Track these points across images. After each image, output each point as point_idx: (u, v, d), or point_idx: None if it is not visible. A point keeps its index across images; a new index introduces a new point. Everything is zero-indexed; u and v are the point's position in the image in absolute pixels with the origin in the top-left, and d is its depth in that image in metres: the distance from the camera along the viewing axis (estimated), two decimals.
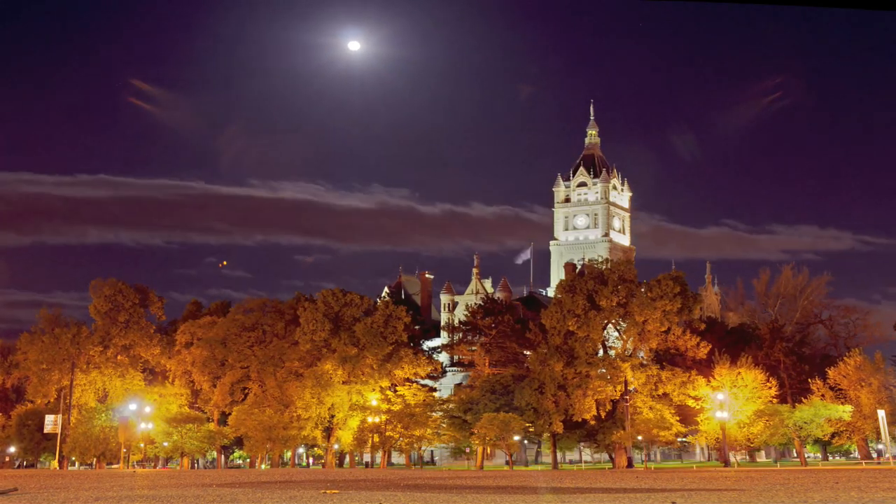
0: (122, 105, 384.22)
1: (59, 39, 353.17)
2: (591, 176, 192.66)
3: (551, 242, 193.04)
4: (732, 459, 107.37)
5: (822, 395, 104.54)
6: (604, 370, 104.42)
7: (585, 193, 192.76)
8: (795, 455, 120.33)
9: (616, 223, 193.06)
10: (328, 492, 31.33)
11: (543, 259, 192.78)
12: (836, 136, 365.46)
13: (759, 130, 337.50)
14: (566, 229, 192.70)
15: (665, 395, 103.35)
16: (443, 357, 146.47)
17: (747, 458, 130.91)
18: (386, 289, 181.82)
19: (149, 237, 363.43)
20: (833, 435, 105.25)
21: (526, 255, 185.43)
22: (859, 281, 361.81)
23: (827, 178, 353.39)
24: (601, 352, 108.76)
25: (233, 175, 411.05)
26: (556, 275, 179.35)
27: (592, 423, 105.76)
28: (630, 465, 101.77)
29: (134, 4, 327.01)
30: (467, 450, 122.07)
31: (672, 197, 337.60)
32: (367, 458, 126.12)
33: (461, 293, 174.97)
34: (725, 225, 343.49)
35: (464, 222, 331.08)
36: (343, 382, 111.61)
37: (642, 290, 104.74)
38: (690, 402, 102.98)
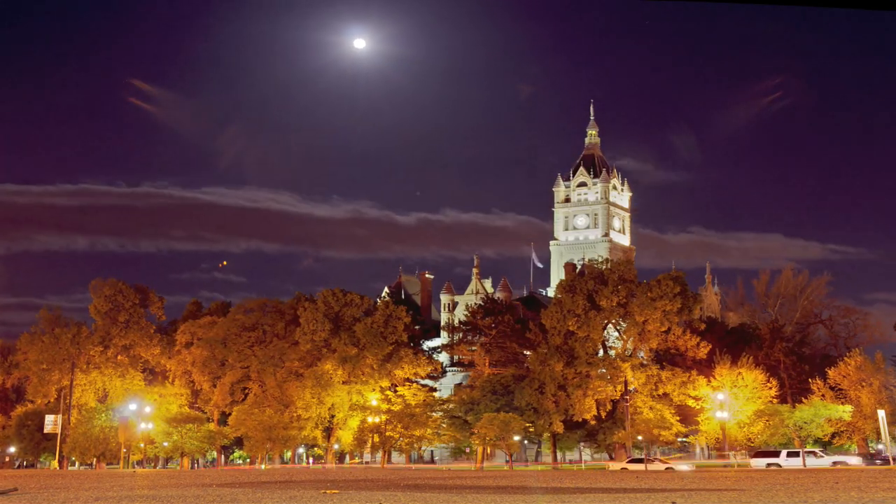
0: (108, 112, 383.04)
1: (59, 40, 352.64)
2: (591, 176, 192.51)
3: (551, 242, 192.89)
4: (732, 460, 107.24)
5: (823, 395, 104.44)
6: (604, 370, 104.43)
7: (585, 193, 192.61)
8: None
9: (616, 223, 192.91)
10: (328, 492, 31.32)
11: (542, 259, 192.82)
12: (837, 136, 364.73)
13: (759, 131, 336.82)
14: (566, 229, 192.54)
15: (665, 395, 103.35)
16: (443, 357, 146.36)
17: (747, 458, 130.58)
18: (386, 289, 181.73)
19: (138, 244, 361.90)
20: (833, 435, 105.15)
21: (534, 257, 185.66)
22: (834, 289, 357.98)
23: (827, 178, 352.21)
24: (601, 352, 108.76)
25: (226, 179, 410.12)
26: (556, 275, 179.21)
27: (593, 423, 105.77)
28: None
29: (130, 6, 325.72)
30: (467, 450, 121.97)
31: (655, 202, 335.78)
32: (367, 458, 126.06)
33: (461, 293, 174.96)
34: (693, 232, 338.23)
35: (437, 228, 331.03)
36: (343, 382, 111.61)
37: (643, 290, 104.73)
38: (691, 402, 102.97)
